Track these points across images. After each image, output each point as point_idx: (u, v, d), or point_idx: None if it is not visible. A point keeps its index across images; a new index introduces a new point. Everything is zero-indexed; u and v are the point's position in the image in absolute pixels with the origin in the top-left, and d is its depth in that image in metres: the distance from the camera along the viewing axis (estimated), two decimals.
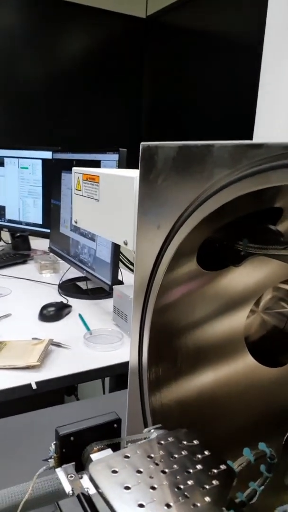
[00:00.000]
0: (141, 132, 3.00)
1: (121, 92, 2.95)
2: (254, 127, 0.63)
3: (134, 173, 0.54)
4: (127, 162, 1.09)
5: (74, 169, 0.68)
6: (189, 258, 0.46)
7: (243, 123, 0.66)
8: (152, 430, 0.42)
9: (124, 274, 1.44)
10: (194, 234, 0.42)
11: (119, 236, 0.57)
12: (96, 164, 1.20)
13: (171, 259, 0.44)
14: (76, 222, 0.70)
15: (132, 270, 1.50)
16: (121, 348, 1.04)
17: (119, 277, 1.26)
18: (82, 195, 0.66)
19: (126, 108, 2.98)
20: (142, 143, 0.47)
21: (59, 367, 0.95)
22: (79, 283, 1.47)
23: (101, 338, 1.08)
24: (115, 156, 1.10)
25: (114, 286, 1.16)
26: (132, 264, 1.47)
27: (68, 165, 1.43)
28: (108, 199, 0.60)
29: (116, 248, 1.17)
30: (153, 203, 0.46)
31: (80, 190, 0.66)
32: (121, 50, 2.91)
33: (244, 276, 0.53)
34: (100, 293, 1.36)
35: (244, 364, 0.57)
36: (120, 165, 1.09)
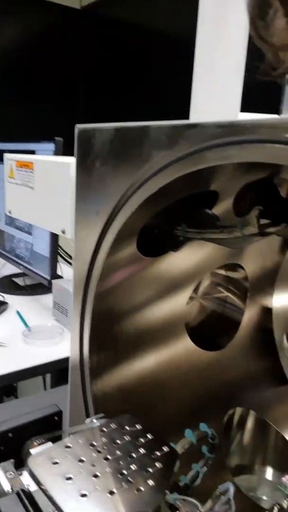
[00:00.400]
0: (77, 122, 2.93)
1: (57, 82, 2.87)
2: (190, 111, 0.64)
3: (71, 159, 0.52)
4: (64, 153, 1.06)
5: (6, 155, 0.65)
6: (129, 242, 0.45)
7: (180, 109, 0.67)
8: (95, 420, 0.41)
9: (64, 268, 1.40)
10: (133, 218, 0.42)
11: (57, 225, 0.55)
12: (31, 154, 1.15)
13: (111, 244, 0.43)
14: (10, 212, 0.66)
15: (71, 264, 1.47)
16: (61, 343, 1.02)
17: (58, 272, 1.23)
18: (16, 183, 0.63)
19: (62, 99, 2.91)
20: (78, 126, 0.46)
21: None
22: (16, 279, 1.41)
23: (40, 334, 1.04)
24: (51, 146, 1.07)
25: (53, 281, 1.13)
26: (71, 257, 1.44)
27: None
28: (44, 186, 0.57)
29: (54, 241, 1.14)
30: (91, 188, 0.45)
31: (14, 178, 0.63)
32: (56, 40, 2.83)
33: (183, 261, 0.54)
34: (39, 288, 1.31)
35: (184, 348, 0.57)
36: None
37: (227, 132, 0.34)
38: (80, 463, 0.32)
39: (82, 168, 0.46)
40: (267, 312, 0.69)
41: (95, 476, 0.31)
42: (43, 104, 2.81)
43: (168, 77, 2.19)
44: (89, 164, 0.45)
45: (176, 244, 0.51)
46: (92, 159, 0.44)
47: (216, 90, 0.74)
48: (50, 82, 2.84)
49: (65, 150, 1.06)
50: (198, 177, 0.44)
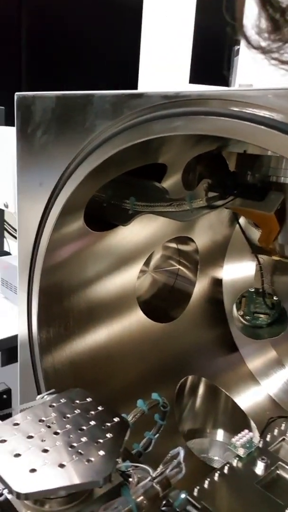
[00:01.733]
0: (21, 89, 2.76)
1: None
2: (138, 79, 0.63)
3: (11, 129, 0.49)
4: (6, 123, 1.01)
5: None
6: (76, 215, 0.44)
7: (127, 75, 0.65)
8: (46, 396, 0.41)
9: (11, 245, 1.36)
10: (80, 190, 0.41)
11: None
12: None
13: (58, 217, 0.41)
14: None
15: None
16: (12, 320, 0.99)
17: (6, 248, 1.19)
18: None
19: (2, 64, 2.71)
20: (17, 94, 0.44)
21: None
22: None
23: None
24: None
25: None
26: None
27: None
28: None
29: None
30: (34, 158, 0.43)
31: None
32: None
33: (133, 235, 0.54)
34: None
35: (137, 320, 0.58)
36: None
37: (173, 103, 0.33)
38: (29, 439, 0.31)
39: (23, 137, 0.44)
40: (217, 283, 0.71)
41: (45, 451, 0.31)
42: None
43: (116, 45, 2.11)
44: (30, 133, 0.43)
45: (125, 218, 0.51)
46: (33, 127, 0.42)
47: (165, 61, 0.73)
48: None
49: (7, 120, 1.01)
50: (146, 149, 0.44)
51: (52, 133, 0.40)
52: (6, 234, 1.21)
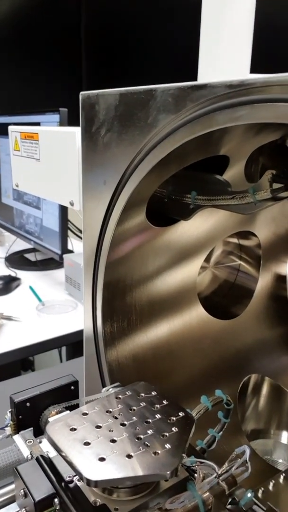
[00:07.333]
0: (81, 89, 2.81)
1: (57, 50, 2.76)
2: (198, 67, 0.62)
3: (76, 129, 0.51)
4: (69, 123, 1.04)
5: (11, 127, 0.63)
6: (138, 211, 0.45)
7: (188, 65, 0.65)
8: (111, 389, 0.42)
9: (74, 243, 1.41)
10: (142, 186, 0.41)
11: (64, 197, 0.55)
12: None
13: (121, 213, 0.42)
14: (17, 186, 0.66)
15: (82, 239, 1.46)
16: (75, 316, 1.03)
17: (69, 247, 1.23)
18: (21, 156, 0.62)
19: (63, 64, 2.79)
20: (82, 93, 0.45)
21: (12, 340, 0.92)
22: (27, 255, 1.42)
23: (54, 308, 1.05)
24: (56, 117, 1.05)
25: (64, 255, 1.14)
26: (81, 232, 1.43)
27: (4, 129, 1.34)
28: (50, 157, 0.56)
29: (64, 215, 1.13)
30: (98, 157, 0.44)
31: (19, 150, 0.62)
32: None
33: (194, 229, 0.53)
34: (50, 263, 1.32)
35: (197, 316, 0.57)
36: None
37: (237, 92, 0.33)
38: (97, 429, 0.32)
39: (88, 136, 0.45)
40: (281, 279, 0.68)
41: (113, 441, 0.31)
42: (44, 74, 2.71)
43: (174, 38, 2.09)
44: (95, 132, 0.44)
45: (186, 213, 0.51)
46: (97, 126, 0.43)
47: (225, 50, 0.71)
48: (49, 49, 2.73)
49: (70, 120, 1.04)
50: (207, 141, 0.43)
51: (115, 131, 0.41)
52: (69, 233, 1.25)
